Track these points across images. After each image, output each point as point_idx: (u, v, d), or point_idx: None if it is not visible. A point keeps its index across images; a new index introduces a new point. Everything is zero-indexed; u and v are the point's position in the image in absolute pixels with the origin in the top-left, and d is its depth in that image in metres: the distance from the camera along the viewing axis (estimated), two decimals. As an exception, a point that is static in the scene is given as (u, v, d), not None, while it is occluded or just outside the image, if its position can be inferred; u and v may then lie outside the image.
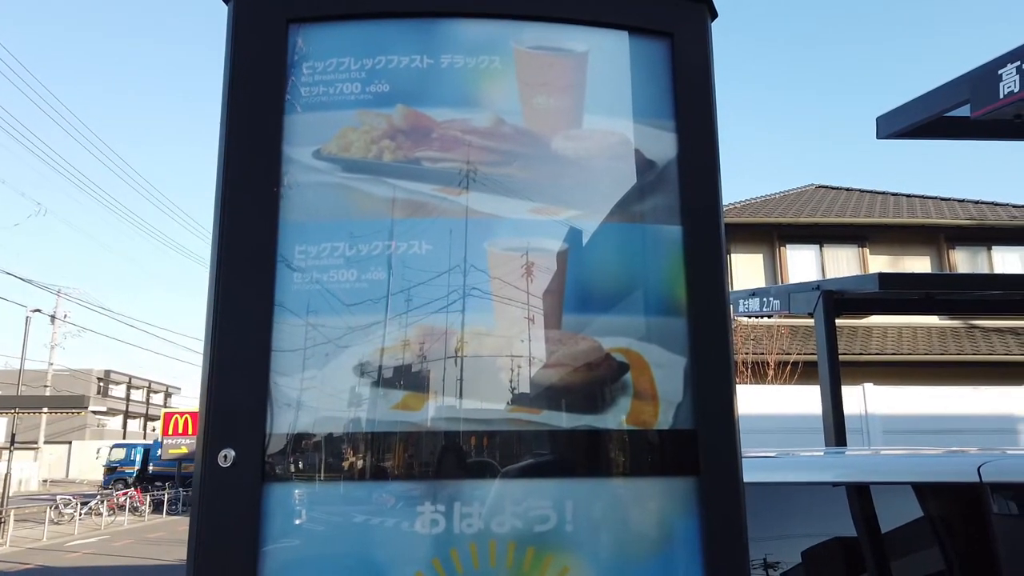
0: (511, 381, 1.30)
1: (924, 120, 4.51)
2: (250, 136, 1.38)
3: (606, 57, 1.46)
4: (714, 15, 1.52)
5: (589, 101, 1.44)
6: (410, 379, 1.30)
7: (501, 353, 1.31)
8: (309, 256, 1.34)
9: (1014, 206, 20.08)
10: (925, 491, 2.64)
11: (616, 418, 1.32)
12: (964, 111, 4.36)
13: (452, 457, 1.27)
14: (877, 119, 4.89)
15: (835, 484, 2.80)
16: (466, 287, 1.33)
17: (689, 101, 1.45)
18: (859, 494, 2.73)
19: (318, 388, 1.29)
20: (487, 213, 1.37)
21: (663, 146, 1.45)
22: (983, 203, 20.34)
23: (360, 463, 1.27)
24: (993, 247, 18.51)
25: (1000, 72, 3.60)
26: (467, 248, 1.34)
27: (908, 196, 21.26)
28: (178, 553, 16.88)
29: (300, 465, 1.27)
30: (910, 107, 4.61)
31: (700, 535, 1.29)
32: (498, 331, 1.32)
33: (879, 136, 4.91)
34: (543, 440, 1.30)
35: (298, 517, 1.25)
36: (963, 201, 20.56)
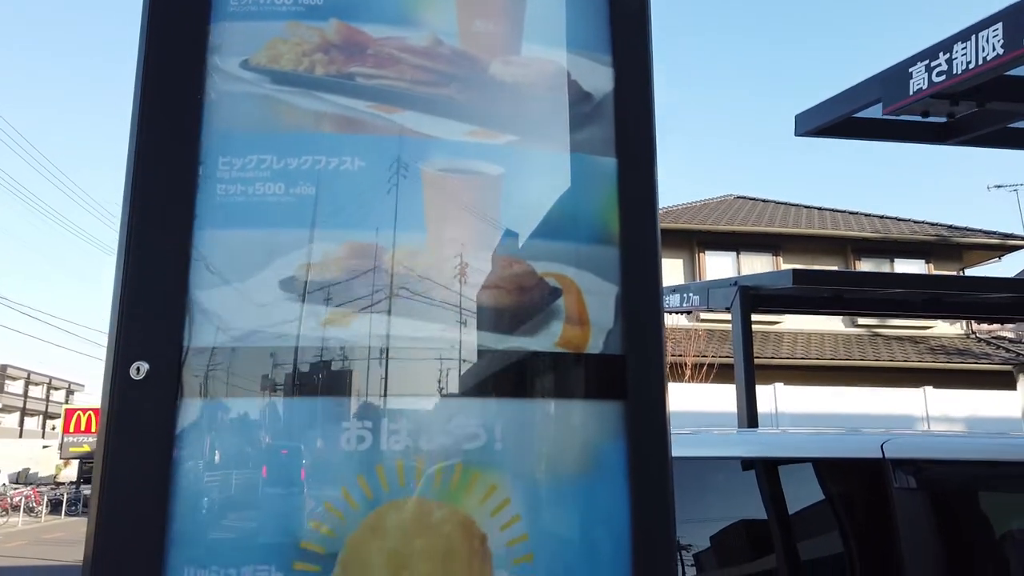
0: (442, 301, 1.28)
1: (839, 118, 4.72)
2: (173, 43, 1.32)
3: (545, -14, 1.46)
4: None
5: (528, 28, 1.43)
6: (338, 296, 1.26)
7: (432, 273, 1.29)
8: (234, 168, 1.29)
9: (915, 221, 21.24)
10: (832, 466, 2.74)
11: (547, 341, 1.32)
12: (878, 113, 4.59)
13: (379, 374, 1.24)
14: (796, 116, 5.09)
15: (747, 459, 2.88)
16: (398, 206, 1.30)
17: (626, 36, 1.47)
18: (769, 469, 2.81)
19: (241, 303, 1.24)
20: (422, 133, 1.34)
21: (600, 79, 1.46)
22: (887, 218, 21.44)
23: (284, 380, 1.23)
24: (895, 259, 19.53)
25: (911, 70, 3.79)
26: (401, 167, 1.32)
27: (819, 209, 22.22)
28: (77, 554, 16.03)
29: (219, 380, 1.22)
30: (826, 105, 4.81)
31: (626, 457, 1.30)
32: (430, 251, 1.30)
33: (797, 133, 5.11)
34: (473, 359, 1.28)
35: (216, 433, 1.20)
36: (869, 215, 21.62)
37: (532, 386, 1.31)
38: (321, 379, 1.23)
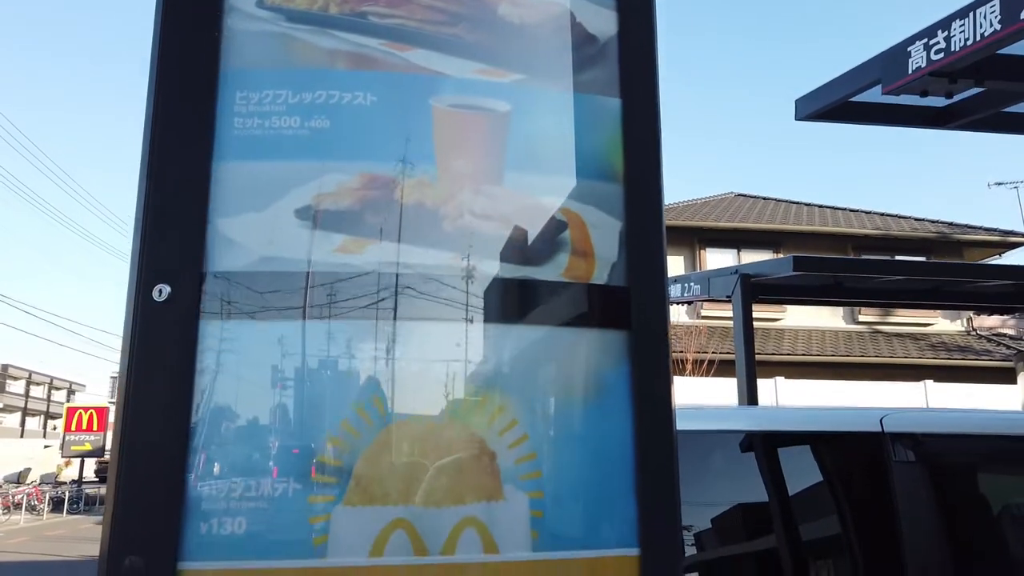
0: (451, 230, 1.33)
1: (839, 101, 4.76)
2: (191, -17, 1.36)
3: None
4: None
5: (535, -30, 1.48)
6: (351, 225, 1.30)
7: (443, 204, 1.33)
8: (251, 102, 1.33)
9: (916, 219, 21.27)
10: (831, 440, 2.77)
11: (554, 271, 1.36)
12: (878, 97, 4.62)
13: (391, 300, 1.29)
14: (796, 101, 5.13)
15: (747, 432, 2.91)
16: (409, 140, 1.34)
17: (629, -20, 1.51)
18: (769, 443, 2.84)
19: (258, 230, 1.29)
20: (433, 70, 1.39)
21: (604, 21, 1.50)
22: (888, 215, 21.47)
23: (299, 304, 1.27)
24: (896, 256, 19.57)
25: (909, 49, 3.83)
26: (412, 102, 1.36)
27: (820, 206, 22.26)
28: (80, 550, 16.07)
29: (238, 303, 1.26)
30: (827, 88, 4.85)
31: (629, 383, 1.34)
32: (440, 183, 1.34)
33: (797, 117, 5.15)
34: (482, 287, 1.32)
35: (235, 354, 1.24)
36: (870, 212, 21.66)
37: (539, 314, 1.35)
38: (335, 303, 1.27)
